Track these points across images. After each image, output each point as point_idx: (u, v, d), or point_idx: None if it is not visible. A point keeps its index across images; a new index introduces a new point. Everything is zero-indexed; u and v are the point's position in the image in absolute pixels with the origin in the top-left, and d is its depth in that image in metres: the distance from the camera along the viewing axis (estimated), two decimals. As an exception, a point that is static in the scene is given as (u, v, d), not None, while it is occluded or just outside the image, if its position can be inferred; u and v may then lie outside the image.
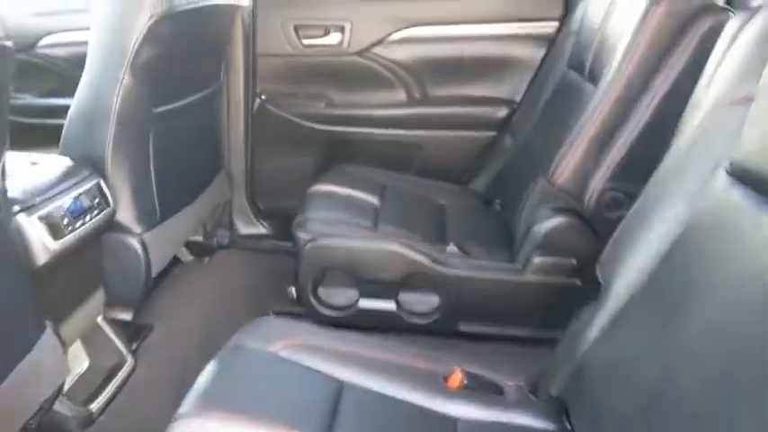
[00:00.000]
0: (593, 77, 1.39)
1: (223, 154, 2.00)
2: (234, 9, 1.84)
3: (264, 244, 2.12)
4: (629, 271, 0.82)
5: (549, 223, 1.29)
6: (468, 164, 2.00)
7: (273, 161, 2.12)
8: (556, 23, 1.90)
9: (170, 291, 1.78)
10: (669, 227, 0.76)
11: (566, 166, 1.30)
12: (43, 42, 2.31)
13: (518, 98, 1.97)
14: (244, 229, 2.13)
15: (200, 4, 1.50)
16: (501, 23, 1.95)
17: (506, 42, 1.96)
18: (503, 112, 1.97)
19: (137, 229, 1.42)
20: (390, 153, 2.05)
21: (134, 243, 1.41)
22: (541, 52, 1.93)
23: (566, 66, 1.64)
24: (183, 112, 1.58)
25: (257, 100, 2.05)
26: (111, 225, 1.38)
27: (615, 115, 1.23)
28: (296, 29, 1.98)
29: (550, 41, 1.89)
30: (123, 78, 1.33)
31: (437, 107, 2.03)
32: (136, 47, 1.32)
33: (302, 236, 1.39)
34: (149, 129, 1.44)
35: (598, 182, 1.25)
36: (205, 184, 1.82)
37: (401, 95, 2.04)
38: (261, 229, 2.13)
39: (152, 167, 1.47)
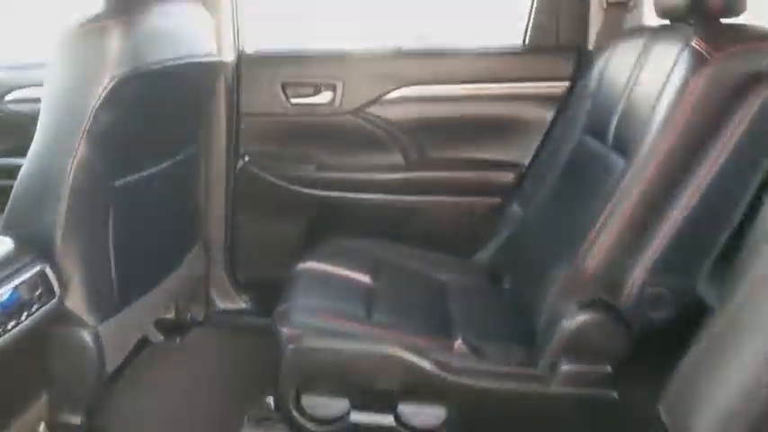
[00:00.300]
0: (620, 148, 1.22)
1: (200, 223, 1.82)
2: (216, 66, 1.67)
3: (244, 320, 1.93)
4: (710, 417, 0.63)
5: (578, 320, 1.08)
6: (471, 233, 1.82)
7: (256, 228, 1.94)
8: (566, 83, 1.75)
9: (132, 382, 1.56)
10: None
11: (598, 251, 1.10)
12: (10, 97, 2.15)
13: (525, 162, 1.81)
14: (221, 303, 1.94)
15: (174, 62, 1.33)
16: (505, 83, 1.82)
17: (512, 103, 1.82)
18: (509, 177, 1.81)
19: (90, 320, 1.22)
20: (385, 220, 1.88)
21: (85, 337, 1.21)
22: (550, 114, 1.78)
23: (582, 131, 1.47)
24: (152, 180, 1.39)
25: (240, 162, 1.89)
26: (58, 316, 1.17)
27: (656, 197, 1.05)
28: (284, 87, 1.84)
29: (561, 102, 1.75)
30: (79, 146, 1.16)
31: (436, 171, 1.87)
32: (94, 111, 1.15)
33: (285, 331, 1.18)
34: (108, 204, 1.25)
35: (639, 274, 1.05)
36: (178, 261, 1.62)
37: (397, 158, 1.88)
38: (240, 303, 1.95)
39: (111, 248, 1.27)
